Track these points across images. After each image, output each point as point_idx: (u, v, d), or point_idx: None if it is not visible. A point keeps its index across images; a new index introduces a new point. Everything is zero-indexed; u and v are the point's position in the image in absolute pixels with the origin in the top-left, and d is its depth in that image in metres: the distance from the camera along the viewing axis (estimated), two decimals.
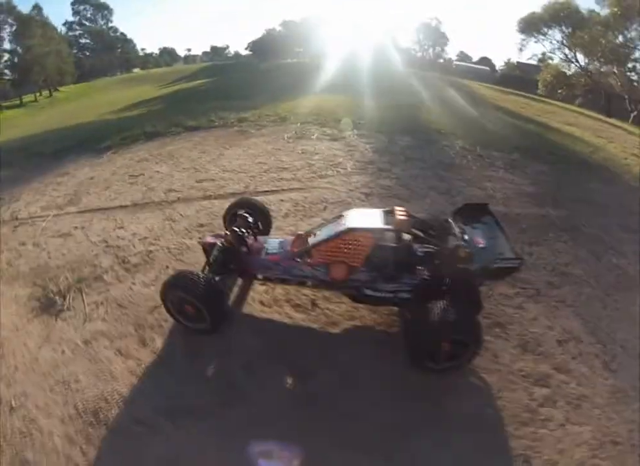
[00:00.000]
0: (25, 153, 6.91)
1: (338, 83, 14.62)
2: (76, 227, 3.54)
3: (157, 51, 57.11)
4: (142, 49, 51.63)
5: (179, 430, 1.78)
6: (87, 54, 38.82)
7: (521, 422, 1.89)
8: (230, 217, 2.78)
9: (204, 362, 2.12)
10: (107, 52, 39.96)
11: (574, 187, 5.15)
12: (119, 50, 42.24)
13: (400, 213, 2.11)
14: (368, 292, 2.14)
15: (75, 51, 35.54)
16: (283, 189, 4.17)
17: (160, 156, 5.35)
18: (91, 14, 40.06)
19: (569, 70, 30.88)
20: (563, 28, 29.34)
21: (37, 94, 26.41)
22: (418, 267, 2.09)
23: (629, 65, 27.63)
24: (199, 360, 2.13)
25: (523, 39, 31.34)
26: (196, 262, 2.83)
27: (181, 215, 3.58)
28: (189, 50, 64.46)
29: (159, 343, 2.22)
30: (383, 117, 7.52)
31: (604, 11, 26.70)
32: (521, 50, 32.78)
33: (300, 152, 5.39)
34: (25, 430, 1.81)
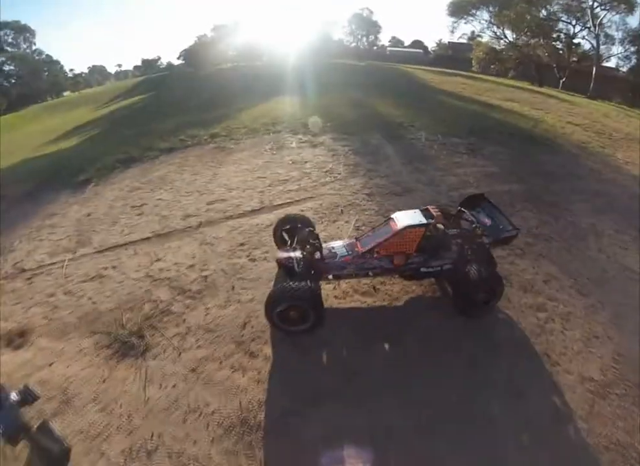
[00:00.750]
0: None
1: (284, 84, 14.84)
2: (105, 267, 3.40)
3: (86, 70, 53.74)
4: (71, 70, 48.37)
5: (322, 410, 2.04)
6: (13, 81, 36.76)
7: (536, 335, 2.63)
8: (280, 232, 2.99)
9: (314, 355, 2.42)
10: (34, 77, 37.22)
11: (527, 162, 6.06)
12: (46, 73, 39.88)
13: (433, 210, 2.73)
14: (423, 269, 2.70)
15: None
16: (297, 201, 4.32)
17: (152, 183, 5.21)
18: (12, 38, 37.63)
19: (499, 46, 33.26)
20: (490, 8, 31.32)
21: None
22: (452, 246, 2.73)
23: (554, 36, 30.15)
24: (310, 354, 2.41)
25: (454, 22, 33.35)
26: (259, 277, 2.96)
27: (214, 237, 3.59)
28: (120, 65, 61.73)
29: (267, 351, 2.40)
30: (344, 116, 7.94)
31: None
32: (452, 32, 34.99)
33: (290, 162, 5.55)
34: (182, 464, 1.84)
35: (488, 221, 2.76)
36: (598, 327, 2.74)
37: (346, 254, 2.65)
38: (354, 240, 2.79)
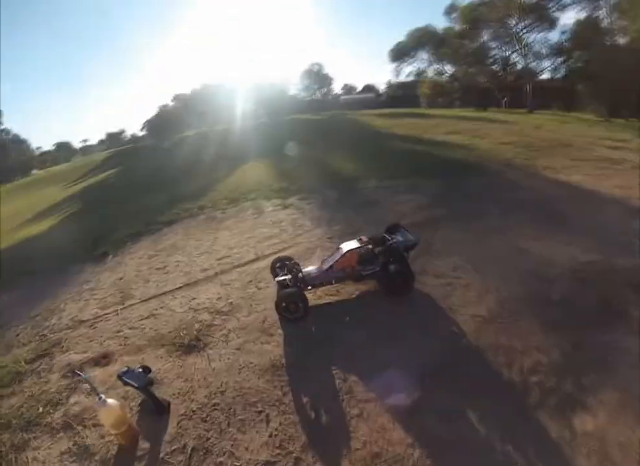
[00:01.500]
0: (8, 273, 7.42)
1: (248, 148, 16.77)
2: (155, 309, 4.74)
3: (52, 147, 54.21)
4: (38, 148, 48.80)
5: (314, 356, 3.40)
6: None
7: (443, 298, 4.11)
8: (274, 268, 4.63)
9: (306, 329, 3.87)
10: (1, 157, 37.19)
11: (455, 189, 7.82)
12: (14, 153, 40.05)
13: (364, 238, 4.38)
14: (363, 273, 4.26)
15: None
16: (281, 250, 5.94)
17: (166, 250, 6.71)
18: None
19: (442, 80, 36.36)
20: (428, 48, 34.56)
21: None
22: (379, 257, 4.30)
23: (490, 61, 34.35)
24: (303, 329, 3.87)
25: (397, 66, 37.27)
26: (265, 298, 4.45)
27: (230, 280, 5.06)
28: (85, 140, 62.92)
29: (279, 332, 3.87)
30: (306, 177, 9.93)
31: (458, 26, 33.07)
32: (397, 75, 38.93)
33: (270, 223, 7.27)
34: (243, 393, 3.32)
35: (400, 238, 4.38)
36: (488, 288, 4.19)
37: (317, 272, 4.25)
38: (321, 262, 4.42)
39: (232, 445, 2.81)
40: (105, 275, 6.26)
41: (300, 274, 4.28)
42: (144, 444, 2.94)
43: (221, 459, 2.72)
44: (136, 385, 3.03)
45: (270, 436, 2.83)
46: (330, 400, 3.06)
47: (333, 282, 4.32)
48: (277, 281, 4.24)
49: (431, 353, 3.44)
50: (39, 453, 3.04)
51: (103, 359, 4.11)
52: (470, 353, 3.43)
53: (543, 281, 4.37)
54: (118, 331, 4.55)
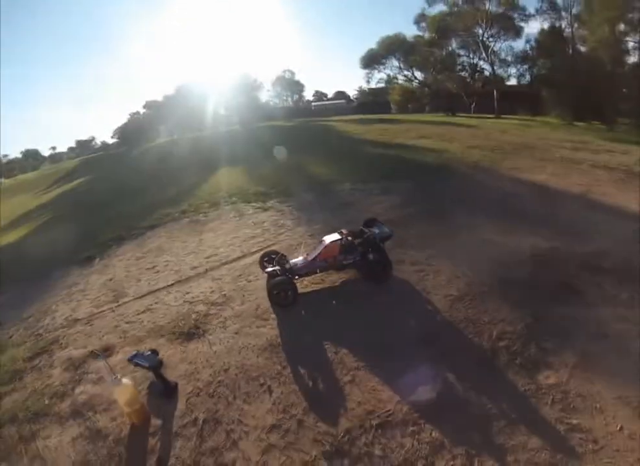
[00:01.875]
0: None
1: (222, 154, 16.94)
2: (150, 304, 4.90)
3: (19, 155, 52.02)
4: (5, 156, 46.86)
5: (308, 332, 3.77)
6: None
7: (417, 282, 4.65)
8: (263, 262, 4.95)
9: (295, 312, 4.27)
10: None
11: (426, 189, 8.44)
12: None
13: (345, 231, 4.80)
14: (345, 262, 4.69)
15: None
16: (266, 247, 6.26)
17: (153, 252, 6.86)
18: None
19: (412, 86, 37.01)
20: (398, 55, 35.32)
21: None
22: (358, 247, 4.75)
23: (459, 68, 35.52)
24: (293, 313, 4.27)
25: (368, 73, 37.96)
26: (256, 288, 4.80)
27: (220, 275, 5.34)
28: (54, 148, 60.72)
29: (273, 316, 4.24)
30: (283, 181, 10.26)
31: (427, 35, 34.16)
32: (368, 82, 39.66)
33: (253, 224, 7.56)
34: (245, 369, 3.62)
35: (377, 230, 4.82)
36: (457, 273, 4.70)
37: (303, 262, 4.64)
38: (305, 255, 4.80)
39: (239, 414, 3.12)
40: (94, 277, 6.35)
41: (287, 265, 4.65)
42: (155, 422, 3.21)
43: (232, 426, 3.03)
44: (147, 365, 3.30)
45: (274, 404, 3.17)
46: (325, 370, 3.45)
47: (318, 271, 4.72)
48: (267, 272, 4.57)
49: (410, 327, 3.90)
50: (50, 441, 3.20)
51: (104, 351, 4.26)
52: (444, 326, 3.91)
53: (508, 265, 4.93)
54: (116, 326, 4.71)
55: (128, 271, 6.27)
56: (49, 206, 16.67)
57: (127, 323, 4.75)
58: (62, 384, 3.83)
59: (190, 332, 4.19)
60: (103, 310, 5.19)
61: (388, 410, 2.99)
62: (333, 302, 4.40)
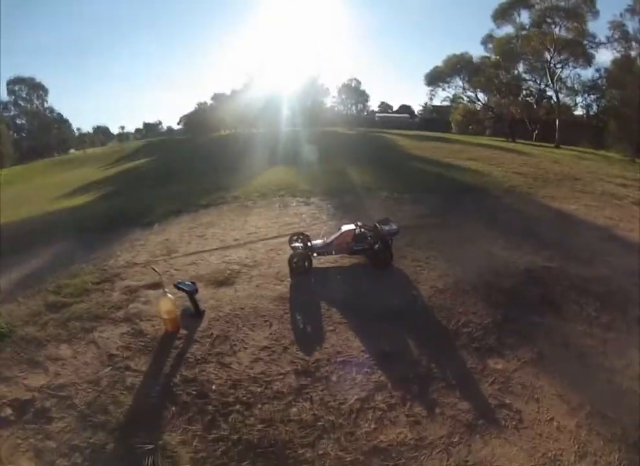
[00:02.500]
0: (62, 231, 8.61)
1: (281, 152, 18.21)
2: (195, 260, 5.94)
3: (91, 130, 56.21)
4: (78, 129, 50.75)
5: (316, 296, 4.70)
6: (24, 135, 37.51)
7: (413, 274, 5.36)
8: (291, 239, 5.96)
9: (308, 279, 5.21)
10: (43, 133, 37.93)
11: (452, 205, 8.92)
12: (56, 130, 40.80)
13: (360, 223, 5.62)
14: (355, 248, 5.53)
15: (12, 132, 34.66)
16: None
17: (204, 225, 7.99)
18: (26, 94, 39.75)
19: (475, 108, 36.21)
20: (463, 75, 34.74)
21: None
22: (369, 238, 5.54)
23: (524, 93, 33.73)
24: (307, 279, 5.23)
25: (432, 90, 37.21)
26: (283, 259, 5.67)
27: (256, 247, 6.42)
28: (122, 127, 65.20)
29: (289, 279, 5.21)
30: (328, 183, 11.10)
31: (493, 57, 33.09)
32: (431, 99, 38.94)
33: (293, 214, 8.56)
34: (261, 315, 4.66)
35: (386, 227, 5.57)
36: (449, 272, 5.25)
37: (321, 244, 5.55)
38: (325, 238, 5.69)
39: (244, 336, 4.13)
40: (153, 237, 7.54)
41: (309, 243, 5.64)
42: (182, 333, 4.29)
43: (235, 343, 4.04)
44: (187, 289, 4.43)
45: (270, 334, 4.15)
46: (315, 320, 4.38)
47: (333, 252, 5.65)
48: (291, 247, 5.62)
49: (393, 303, 4.70)
50: (103, 334, 4.34)
51: (153, 287, 5.45)
52: (421, 307, 4.68)
53: (499, 274, 5.51)
54: (166, 271, 5.83)
55: (181, 236, 7.50)
56: (114, 180, 18.67)
57: (175, 270, 5.92)
58: (119, 301, 4.99)
59: (222, 282, 5.28)
60: (157, 259, 6.40)
61: (352, 354, 3.85)
62: (339, 276, 5.32)
